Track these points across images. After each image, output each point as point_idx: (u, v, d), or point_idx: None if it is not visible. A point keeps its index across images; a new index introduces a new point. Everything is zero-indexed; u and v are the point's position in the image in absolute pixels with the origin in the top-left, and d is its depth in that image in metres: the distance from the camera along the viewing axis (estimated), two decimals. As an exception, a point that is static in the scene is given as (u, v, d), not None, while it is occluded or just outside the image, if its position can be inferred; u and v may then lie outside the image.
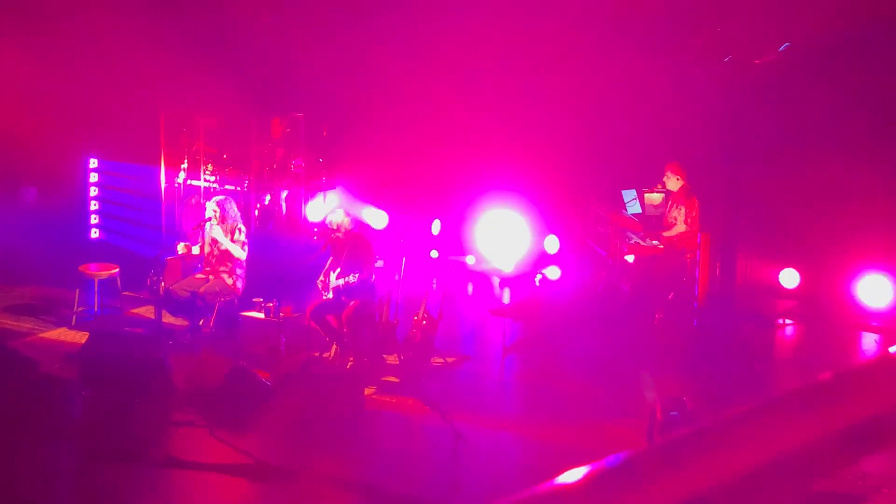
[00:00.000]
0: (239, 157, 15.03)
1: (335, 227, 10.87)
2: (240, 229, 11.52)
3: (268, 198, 15.10)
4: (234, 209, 11.69)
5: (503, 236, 15.05)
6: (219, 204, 11.59)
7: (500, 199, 15.18)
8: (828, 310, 12.78)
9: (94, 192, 15.94)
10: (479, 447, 8.21)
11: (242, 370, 9.67)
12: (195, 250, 11.65)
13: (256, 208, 14.78)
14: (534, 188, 14.99)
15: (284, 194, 15.22)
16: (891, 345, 11.95)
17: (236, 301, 11.49)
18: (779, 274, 13.48)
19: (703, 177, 13.09)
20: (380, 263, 11.31)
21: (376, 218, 15.81)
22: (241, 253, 11.38)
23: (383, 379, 10.42)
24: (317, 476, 8.07)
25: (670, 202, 12.93)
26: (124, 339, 10.43)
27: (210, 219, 11.45)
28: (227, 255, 11.41)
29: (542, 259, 14.47)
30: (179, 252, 11.73)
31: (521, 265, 14.48)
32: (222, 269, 11.44)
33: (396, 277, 11.24)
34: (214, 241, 11.46)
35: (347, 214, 11.01)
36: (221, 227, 11.43)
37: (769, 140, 13.31)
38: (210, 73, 15.67)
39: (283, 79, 15.82)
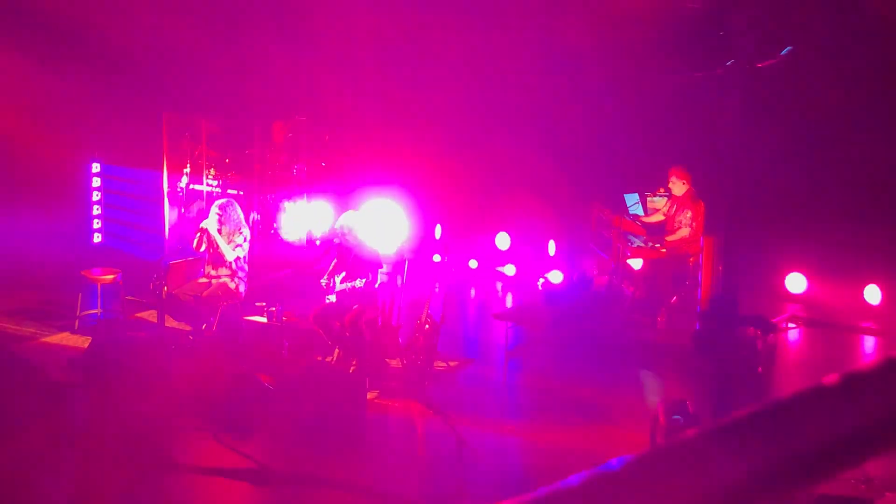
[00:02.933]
0: (241, 162, 15.04)
1: (345, 231, 10.88)
2: (241, 232, 11.52)
3: (271, 202, 15.10)
4: (236, 213, 11.69)
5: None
6: (220, 207, 11.61)
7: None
8: (832, 313, 12.77)
9: (96, 196, 15.95)
10: (482, 451, 8.21)
11: (245, 374, 9.67)
12: (197, 242, 11.63)
13: (259, 213, 14.79)
14: (535, 191, 14.99)
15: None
16: (890, 347, 11.95)
17: (239, 305, 11.49)
18: (785, 278, 13.48)
19: (706, 179, 13.08)
20: (384, 268, 11.31)
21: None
22: (230, 254, 11.37)
23: (386, 383, 10.41)
24: (320, 480, 8.07)
25: (675, 206, 12.93)
26: (127, 344, 10.43)
27: (209, 223, 11.48)
28: (223, 257, 11.42)
29: (545, 263, 14.47)
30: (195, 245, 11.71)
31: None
32: (225, 273, 11.45)
33: (399, 281, 11.23)
34: (213, 243, 11.47)
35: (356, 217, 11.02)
36: (221, 231, 11.45)
37: (773, 143, 13.29)
38: (213, 77, 15.71)
39: (285, 83, 15.84)
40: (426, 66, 15.41)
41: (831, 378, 1.51)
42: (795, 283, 13.49)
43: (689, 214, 12.73)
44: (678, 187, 12.83)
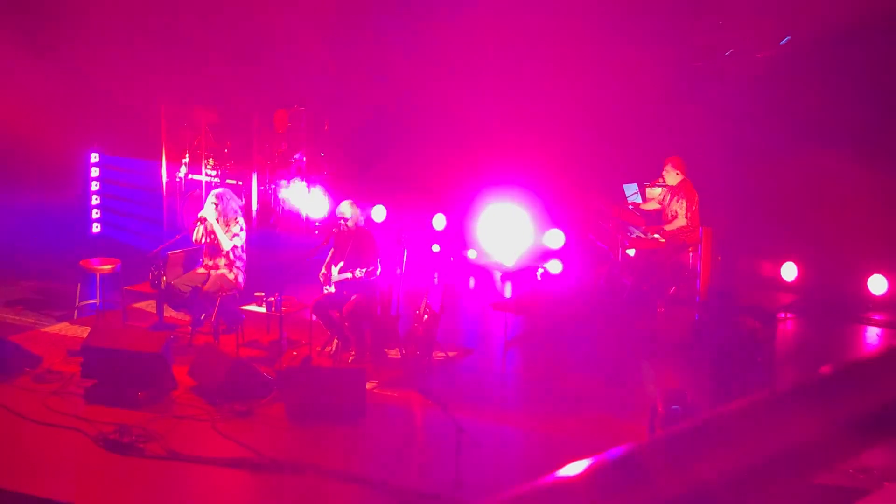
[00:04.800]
0: (241, 151, 15.02)
1: (344, 219, 10.86)
2: (236, 221, 11.50)
3: (270, 191, 15.09)
4: (233, 203, 11.68)
5: (505, 230, 14.87)
6: (217, 196, 11.61)
7: (501, 193, 15.14)
8: (829, 303, 12.77)
9: (95, 186, 15.94)
10: (481, 441, 8.21)
11: (244, 364, 9.67)
12: (198, 234, 11.61)
13: (258, 202, 14.78)
14: (535, 182, 14.98)
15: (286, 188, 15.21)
16: (891, 338, 11.96)
17: (238, 295, 11.48)
18: (780, 267, 13.48)
19: (705, 170, 13.08)
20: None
21: (377, 212, 15.81)
22: (227, 244, 11.35)
23: (385, 373, 10.42)
24: (318, 470, 8.08)
25: (671, 196, 12.93)
26: (126, 334, 10.42)
27: (207, 212, 11.48)
28: (220, 246, 11.42)
29: (544, 253, 14.46)
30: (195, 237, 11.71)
31: (522, 259, 14.35)
32: (223, 263, 11.44)
33: (398, 271, 11.23)
34: (211, 233, 11.46)
35: (355, 206, 11.00)
36: (219, 220, 11.43)
37: (771, 133, 13.29)
38: (212, 67, 15.68)
39: (285, 72, 15.82)
40: (424, 56, 15.38)
41: (828, 368, 1.51)
42: (794, 272, 13.48)
43: (683, 203, 12.73)
44: (672, 177, 12.84)
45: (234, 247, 11.44)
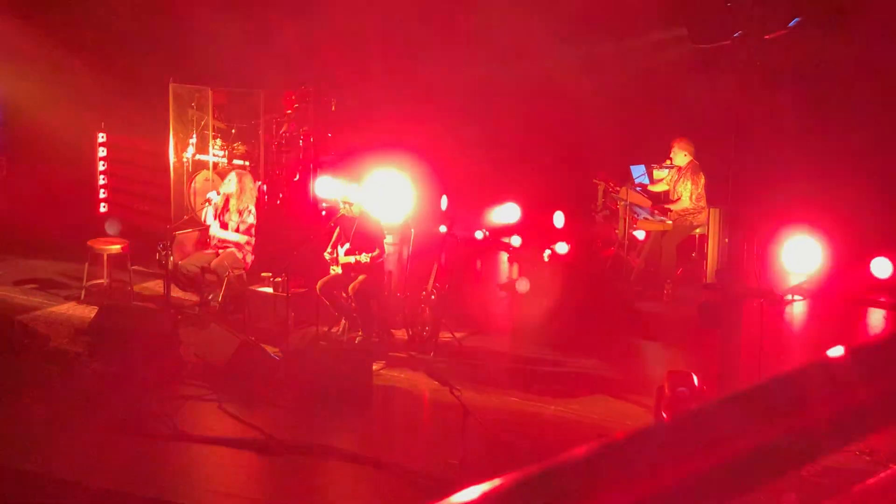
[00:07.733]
0: (248, 132, 15.00)
1: (351, 203, 10.85)
2: (249, 210, 11.51)
3: (277, 172, 15.07)
4: (250, 185, 11.69)
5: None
6: (238, 174, 11.64)
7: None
8: (837, 286, 12.74)
9: (102, 166, 15.93)
10: (487, 422, 8.22)
11: (251, 345, 9.69)
12: (205, 215, 11.61)
13: (265, 183, 14.76)
14: (542, 162, 14.94)
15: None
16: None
17: (245, 276, 11.49)
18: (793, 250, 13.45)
19: (713, 151, 13.03)
20: (389, 238, 11.27)
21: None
22: (238, 238, 11.37)
23: (392, 354, 10.43)
24: (325, 450, 8.10)
25: (677, 177, 12.91)
26: (133, 314, 10.44)
27: (225, 187, 11.51)
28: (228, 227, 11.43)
29: (552, 234, 14.44)
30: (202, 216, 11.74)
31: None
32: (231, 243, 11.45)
33: (405, 252, 11.22)
34: (220, 213, 11.47)
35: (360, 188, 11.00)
36: (230, 201, 11.43)
37: (779, 114, 13.23)
38: (219, 47, 15.65)
39: (292, 53, 15.77)
40: (434, 36, 15.34)
41: (837, 350, 1.50)
42: (804, 254, 13.44)
43: (689, 185, 12.71)
44: (680, 157, 12.82)
45: (249, 225, 11.46)
